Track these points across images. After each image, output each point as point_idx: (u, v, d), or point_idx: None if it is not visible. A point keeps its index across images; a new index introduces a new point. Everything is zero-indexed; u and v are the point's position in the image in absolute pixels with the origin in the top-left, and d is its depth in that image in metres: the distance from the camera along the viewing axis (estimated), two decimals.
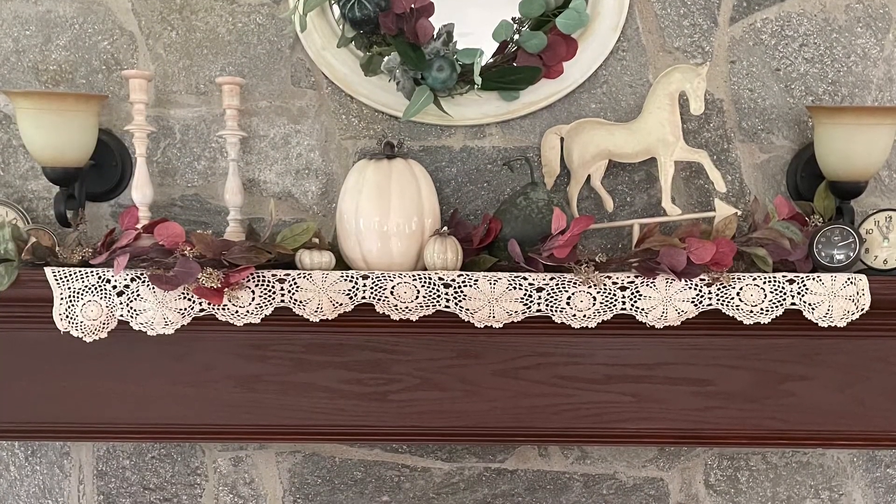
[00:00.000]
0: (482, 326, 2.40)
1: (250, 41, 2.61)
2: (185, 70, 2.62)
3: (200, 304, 2.36)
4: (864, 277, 2.39)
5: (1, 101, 2.61)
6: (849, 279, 2.38)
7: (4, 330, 2.48)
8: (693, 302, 2.39)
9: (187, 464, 2.79)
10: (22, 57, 2.60)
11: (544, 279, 2.39)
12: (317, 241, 2.43)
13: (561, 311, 2.39)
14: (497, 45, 2.55)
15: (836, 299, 2.37)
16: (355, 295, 2.36)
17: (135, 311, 2.35)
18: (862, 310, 2.38)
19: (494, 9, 2.54)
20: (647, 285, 2.39)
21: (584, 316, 2.39)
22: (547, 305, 2.39)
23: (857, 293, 2.37)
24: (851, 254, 2.41)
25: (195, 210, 2.66)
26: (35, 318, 2.42)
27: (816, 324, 2.40)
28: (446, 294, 2.37)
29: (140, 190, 2.48)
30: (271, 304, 2.36)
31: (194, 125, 2.63)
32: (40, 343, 2.47)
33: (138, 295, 2.34)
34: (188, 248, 2.30)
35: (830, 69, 2.62)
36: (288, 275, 2.37)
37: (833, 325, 2.39)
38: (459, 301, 2.37)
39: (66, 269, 2.36)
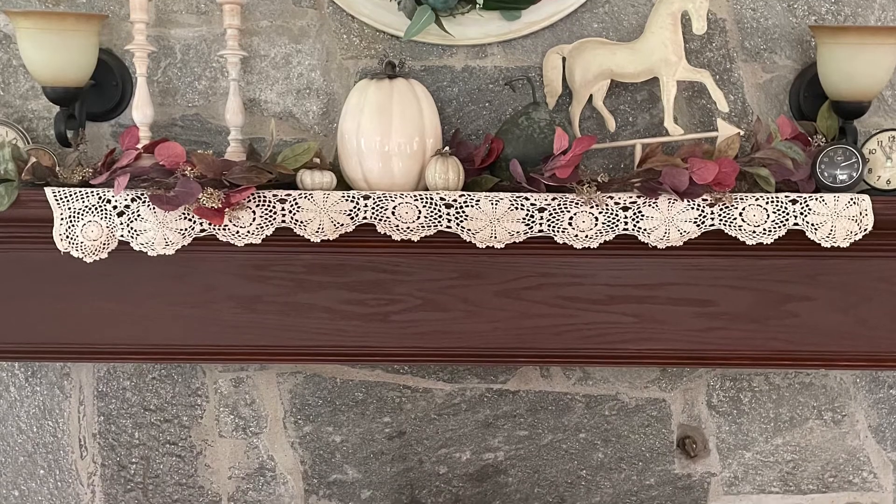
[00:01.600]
0: (484, 247, 2.44)
1: None
2: None
3: (201, 224, 2.39)
4: (867, 198, 2.41)
5: (1, 20, 2.64)
6: (852, 199, 2.41)
7: (4, 251, 2.52)
8: (695, 222, 2.42)
9: (188, 385, 2.85)
10: None
11: (546, 199, 2.41)
12: (318, 161, 2.46)
13: (563, 232, 2.42)
14: None
15: (838, 219, 2.40)
16: (356, 215, 2.40)
17: (135, 231, 2.39)
18: (865, 230, 2.41)
19: None
20: (650, 205, 2.42)
21: (586, 236, 2.43)
22: (549, 226, 2.42)
23: (860, 213, 2.40)
24: (854, 174, 2.44)
25: (196, 130, 2.69)
26: (35, 239, 2.46)
27: (819, 244, 2.43)
28: (448, 214, 2.41)
29: (140, 110, 2.50)
30: (272, 224, 2.40)
31: (195, 45, 2.65)
32: (40, 264, 2.51)
33: (139, 215, 2.37)
34: (189, 168, 2.33)
35: None
36: (289, 195, 2.40)
37: (836, 245, 2.42)
38: (461, 221, 2.41)
39: (66, 189, 2.39)
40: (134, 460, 2.89)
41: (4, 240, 2.51)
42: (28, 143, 2.58)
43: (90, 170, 2.45)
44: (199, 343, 2.59)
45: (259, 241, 2.42)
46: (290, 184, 2.47)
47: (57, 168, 2.46)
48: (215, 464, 2.89)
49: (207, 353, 2.63)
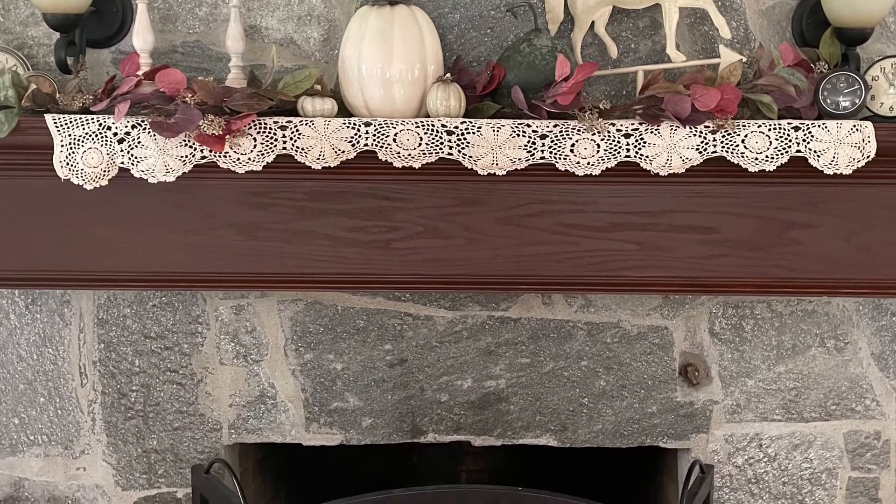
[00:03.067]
0: (485, 174, 2.49)
1: None
2: None
3: (202, 151, 2.44)
4: (869, 124, 2.46)
5: None
6: (854, 126, 2.45)
7: (5, 178, 2.57)
8: (697, 149, 2.46)
9: (188, 312, 2.90)
10: None
11: (548, 126, 2.46)
12: (319, 87, 2.50)
13: (565, 159, 2.47)
14: None
15: (841, 146, 2.45)
16: (358, 142, 2.44)
17: (136, 158, 2.44)
18: (867, 157, 2.46)
19: None
20: (652, 132, 2.46)
21: (588, 163, 2.47)
22: (551, 153, 2.47)
23: (863, 140, 2.45)
24: (857, 101, 2.48)
25: (196, 57, 2.73)
26: (36, 166, 2.50)
27: (822, 171, 2.48)
28: (449, 141, 2.45)
29: (141, 36, 2.53)
30: (273, 151, 2.44)
31: None
32: (41, 191, 2.56)
33: (139, 142, 2.42)
34: (189, 95, 2.37)
35: None
36: (290, 121, 2.44)
37: (839, 172, 2.47)
38: (462, 148, 2.45)
39: (66, 115, 2.43)
40: (134, 388, 2.94)
41: (5, 167, 2.55)
42: (28, 70, 2.62)
43: (90, 97, 2.48)
44: (200, 270, 2.63)
45: (260, 168, 2.46)
46: (292, 111, 2.51)
47: (57, 95, 2.49)
48: (216, 392, 2.94)
49: (208, 280, 2.67)
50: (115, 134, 2.44)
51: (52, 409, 2.95)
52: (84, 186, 2.46)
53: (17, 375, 2.94)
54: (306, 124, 2.44)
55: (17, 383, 2.94)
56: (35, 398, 2.94)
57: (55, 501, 2.99)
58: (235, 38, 2.59)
